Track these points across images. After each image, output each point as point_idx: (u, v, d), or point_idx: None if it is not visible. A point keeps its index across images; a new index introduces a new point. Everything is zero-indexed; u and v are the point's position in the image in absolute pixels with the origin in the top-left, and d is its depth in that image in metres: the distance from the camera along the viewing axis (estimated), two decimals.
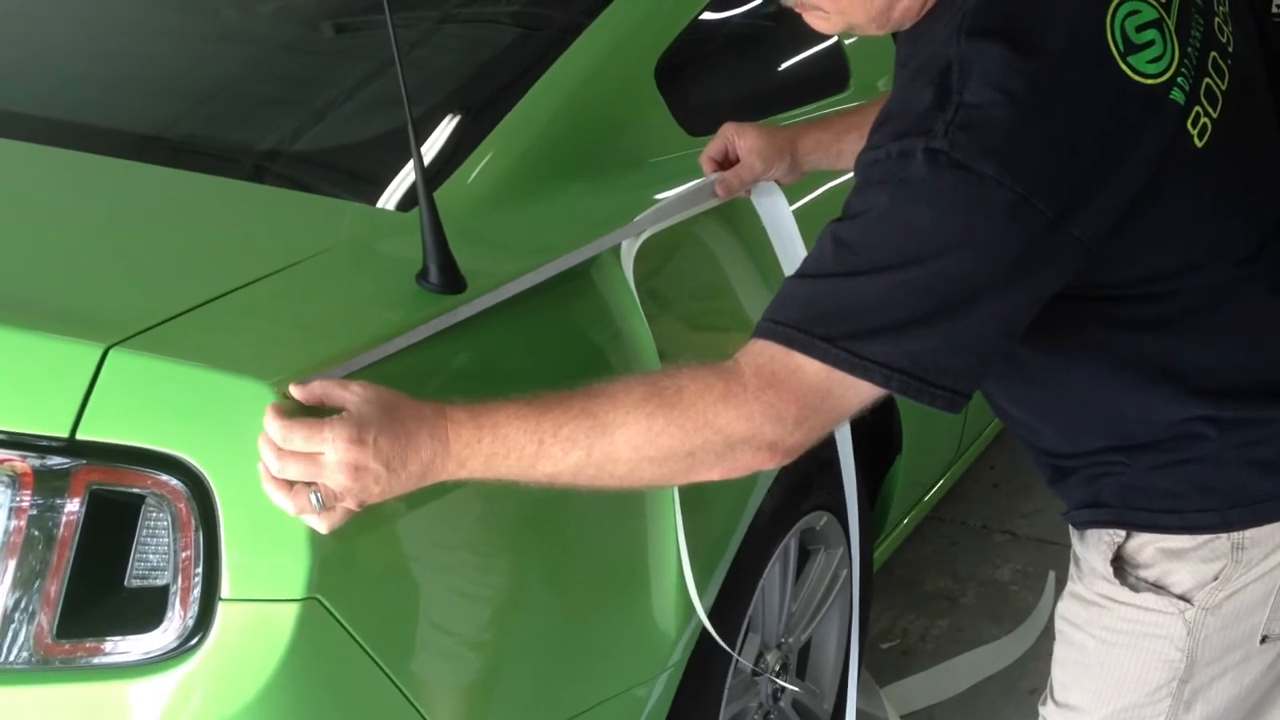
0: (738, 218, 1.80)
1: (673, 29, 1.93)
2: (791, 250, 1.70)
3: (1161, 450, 1.29)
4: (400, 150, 1.59)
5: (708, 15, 2.01)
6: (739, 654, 1.80)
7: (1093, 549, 1.38)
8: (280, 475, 1.12)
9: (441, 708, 1.32)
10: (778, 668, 1.98)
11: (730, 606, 1.73)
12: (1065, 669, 1.44)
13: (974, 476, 3.15)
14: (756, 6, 2.21)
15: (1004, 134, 1.11)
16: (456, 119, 1.73)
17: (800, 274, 1.20)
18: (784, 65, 2.27)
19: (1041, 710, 1.49)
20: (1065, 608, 1.44)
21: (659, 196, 1.71)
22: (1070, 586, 1.44)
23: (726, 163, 1.63)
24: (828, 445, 1.95)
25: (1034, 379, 1.34)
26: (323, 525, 1.15)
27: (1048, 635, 2.67)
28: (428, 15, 2.03)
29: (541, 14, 2.06)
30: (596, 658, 1.55)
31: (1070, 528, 1.44)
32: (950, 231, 1.13)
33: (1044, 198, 1.12)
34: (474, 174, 1.62)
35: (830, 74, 2.24)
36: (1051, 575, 2.84)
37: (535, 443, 1.15)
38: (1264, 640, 1.36)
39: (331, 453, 1.11)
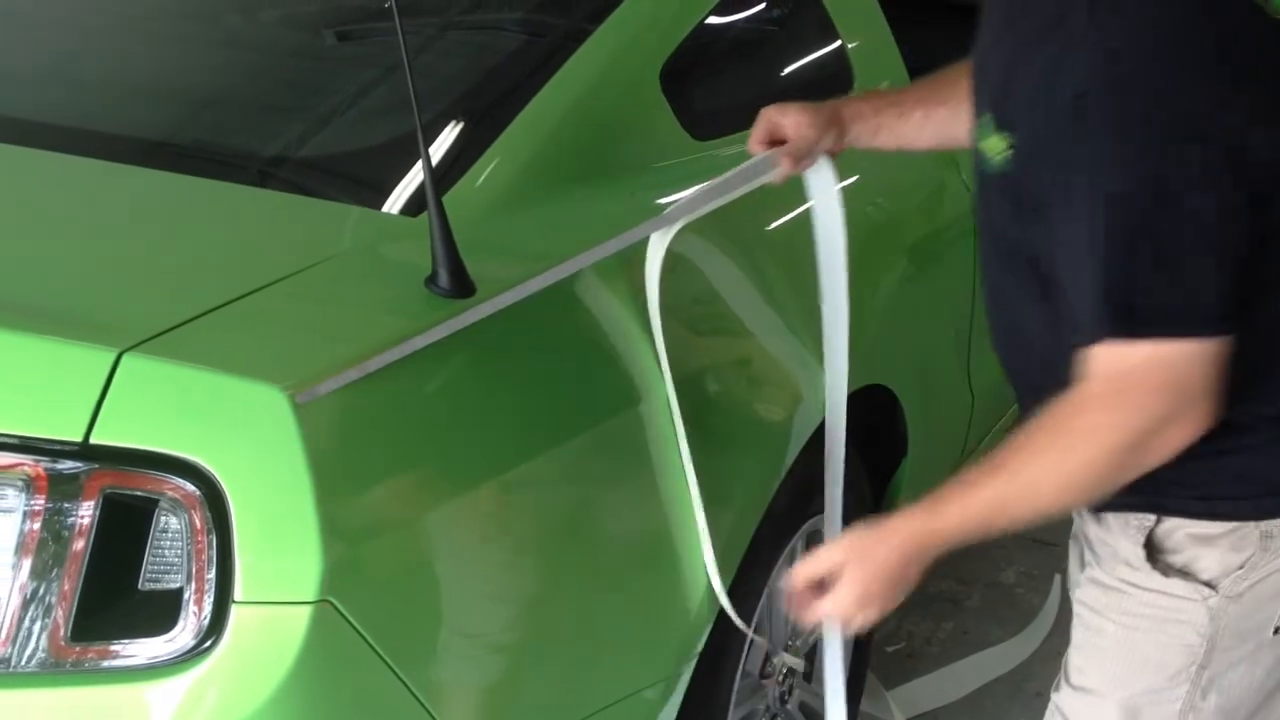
0: (734, 224, 1.81)
1: (677, 34, 1.93)
2: (832, 230, 1.68)
3: (1208, 439, 1.28)
4: (407, 155, 1.60)
5: (712, 20, 2.02)
6: (743, 658, 1.80)
7: (1119, 534, 1.38)
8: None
9: (453, 710, 1.33)
10: (784, 673, 1.98)
11: (738, 609, 1.73)
12: (1083, 653, 1.45)
13: None
14: (761, 11, 2.22)
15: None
16: (463, 124, 1.74)
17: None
18: (788, 70, 2.28)
19: (1054, 696, 1.49)
20: (1084, 593, 1.45)
21: (663, 200, 1.71)
22: (1088, 573, 1.45)
23: (774, 144, 1.63)
24: None
25: None
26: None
27: (1053, 637, 2.68)
28: (434, 21, 2.04)
29: (547, 20, 2.07)
30: (607, 660, 1.55)
31: (1085, 515, 1.44)
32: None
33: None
34: (481, 179, 1.62)
35: (834, 78, 2.25)
36: (1057, 578, 2.84)
37: (984, 523, 1.31)
38: (1276, 632, 1.37)
39: (846, 609, 1.35)
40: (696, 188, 1.61)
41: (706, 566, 1.58)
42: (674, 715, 1.65)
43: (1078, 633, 1.46)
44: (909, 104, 1.65)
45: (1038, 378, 1.36)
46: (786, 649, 1.99)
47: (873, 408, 2.09)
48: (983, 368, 2.54)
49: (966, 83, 1.45)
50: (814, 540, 2.04)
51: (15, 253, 1.46)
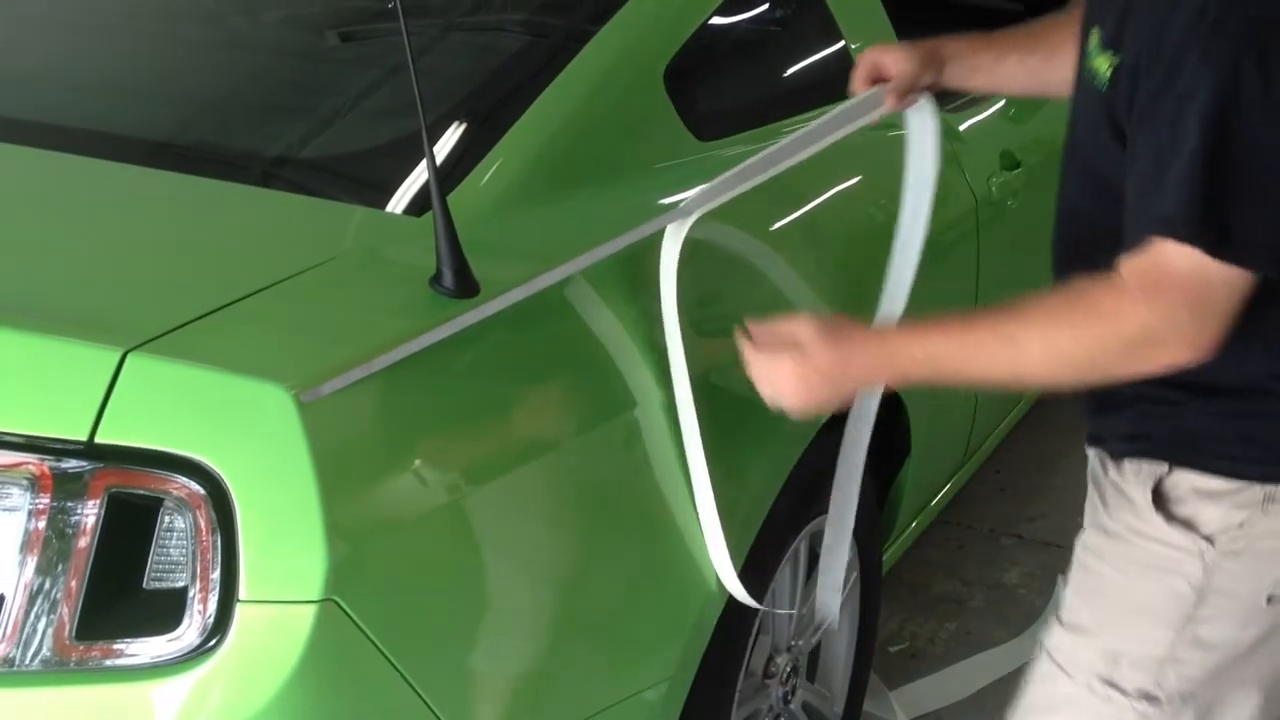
0: (742, 219, 1.81)
1: (681, 34, 1.93)
2: (925, 169, 1.73)
3: (1229, 398, 1.32)
4: (411, 156, 1.60)
5: (716, 21, 2.02)
6: (747, 657, 1.81)
7: (1132, 480, 1.41)
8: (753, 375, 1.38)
9: (457, 709, 1.33)
10: (788, 671, 1.98)
11: (742, 609, 1.74)
12: (1079, 594, 1.49)
13: (981, 480, 3.16)
14: (764, 12, 2.22)
15: None
16: (467, 125, 1.74)
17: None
18: (791, 70, 2.28)
19: (1042, 634, 1.53)
20: (1089, 537, 1.49)
21: (666, 201, 1.72)
22: (1095, 518, 1.48)
23: (876, 84, 1.68)
24: (836, 447, 1.96)
25: None
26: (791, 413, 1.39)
27: None
28: (438, 22, 2.05)
29: (550, 20, 2.07)
30: (612, 659, 1.56)
31: (1096, 459, 1.48)
32: None
33: None
34: (485, 179, 1.63)
35: (838, 78, 2.25)
36: (1060, 579, 2.84)
37: (961, 358, 1.32)
38: (1270, 601, 1.40)
39: (783, 380, 1.37)
40: (803, 130, 1.65)
41: (715, 560, 1.58)
42: (678, 714, 1.65)
43: (1076, 574, 1.50)
44: (1006, 48, 1.69)
45: None
46: (789, 649, 1.99)
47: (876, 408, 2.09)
48: None
49: (1067, 33, 1.52)
50: (818, 541, 2.04)
51: (21, 252, 1.47)
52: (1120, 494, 1.43)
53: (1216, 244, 1.21)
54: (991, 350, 1.31)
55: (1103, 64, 1.31)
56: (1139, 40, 1.26)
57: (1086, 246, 1.39)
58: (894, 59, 1.66)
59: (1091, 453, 1.50)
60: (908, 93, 1.67)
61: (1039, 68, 1.66)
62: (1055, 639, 1.51)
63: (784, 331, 1.39)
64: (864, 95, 1.66)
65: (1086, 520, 1.52)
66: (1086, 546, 1.50)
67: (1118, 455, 1.43)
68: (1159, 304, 1.23)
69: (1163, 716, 1.44)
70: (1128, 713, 1.44)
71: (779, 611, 1.82)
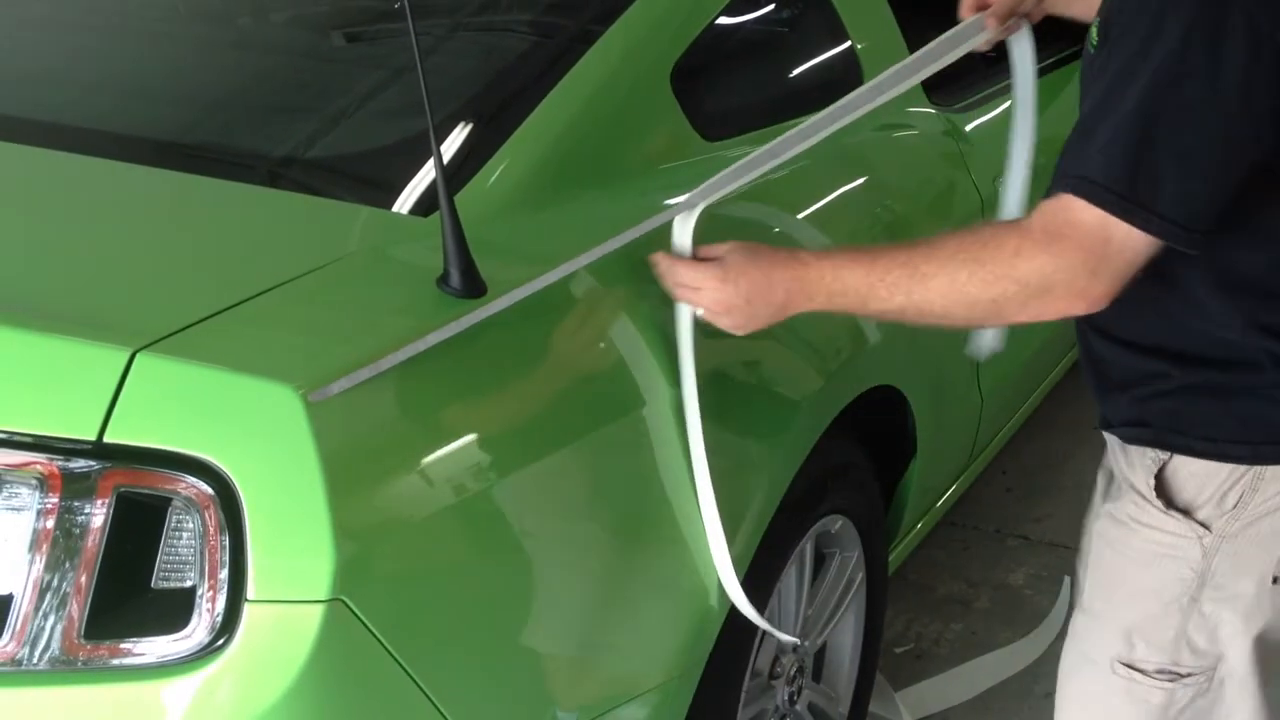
0: (755, 209, 1.81)
1: (687, 35, 1.94)
2: (1026, 91, 1.83)
3: (1217, 369, 1.35)
4: (418, 156, 1.61)
5: (722, 21, 2.02)
6: (753, 658, 1.81)
7: (1138, 467, 1.46)
8: (672, 294, 1.46)
9: (464, 708, 1.33)
10: (794, 671, 1.98)
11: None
12: (1093, 580, 1.55)
13: (986, 481, 3.15)
14: (770, 12, 2.22)
15: None
16: (474, 125, 1.74)
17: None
18: (798, 70, 2.28)
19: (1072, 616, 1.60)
20: (1100, 525, 1.54)
21: (672, 201, 1.72)
22: (1106, 506, 1.54)
23: (983, 9, 1.77)
24: (844, 449, 1.96)
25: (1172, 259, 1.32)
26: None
27: (1062, 639, 2.68)
28: (444, 22, 2.05)
29: (557, 21, 2.07)
30: (618, 659, 1.56)
31: (1116, 449, 1.52)
32: None
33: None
34: (492, 179, 1.63)
35: (843, 78, 2.25)
36: (1066, 580, 2.84)
37: (867, 286, 1.36)
38: (1276, 581, 1.44)
39: (705, 291, 1.43)
40: (910, 59, 1.75)
41: (718, 566, 1.59)
42: (684, 714, 1.65)
43: (1092, 560, 1.55)
44: None
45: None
46: (795, 649, 1.99)
47: (882, 408, 2.09)
48: (992, 368, 2.54)
49: None
50: (823, 542, 2.05)
51: (29, 252, 1.47)
52: (1126, 483, 1.48)
53: (1124, 207, 1.23)
54: (896, 280, 1.34)
55: (1093, 30, 1.36)
56: (1107, 5, 1.31)
57: None
58: None
59: (1107, 437, 1.54)
60: (1008, 17, 1.74)
61: None
62: (1078, 625, 1.57)
63: (709, 249, 1.46)
64: (968, 21, 1.74)
65: (1101, 507, 1.56)
66: (1100, 534, 1.54)
67: (1125, 440, 1.48)
68: (1057, 251, 1.26)
69: (1188, 693, 1.49)
70: (1154, 692, 1.49)
71: (783, 637, 1.83)
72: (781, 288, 1.41)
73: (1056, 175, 1.29)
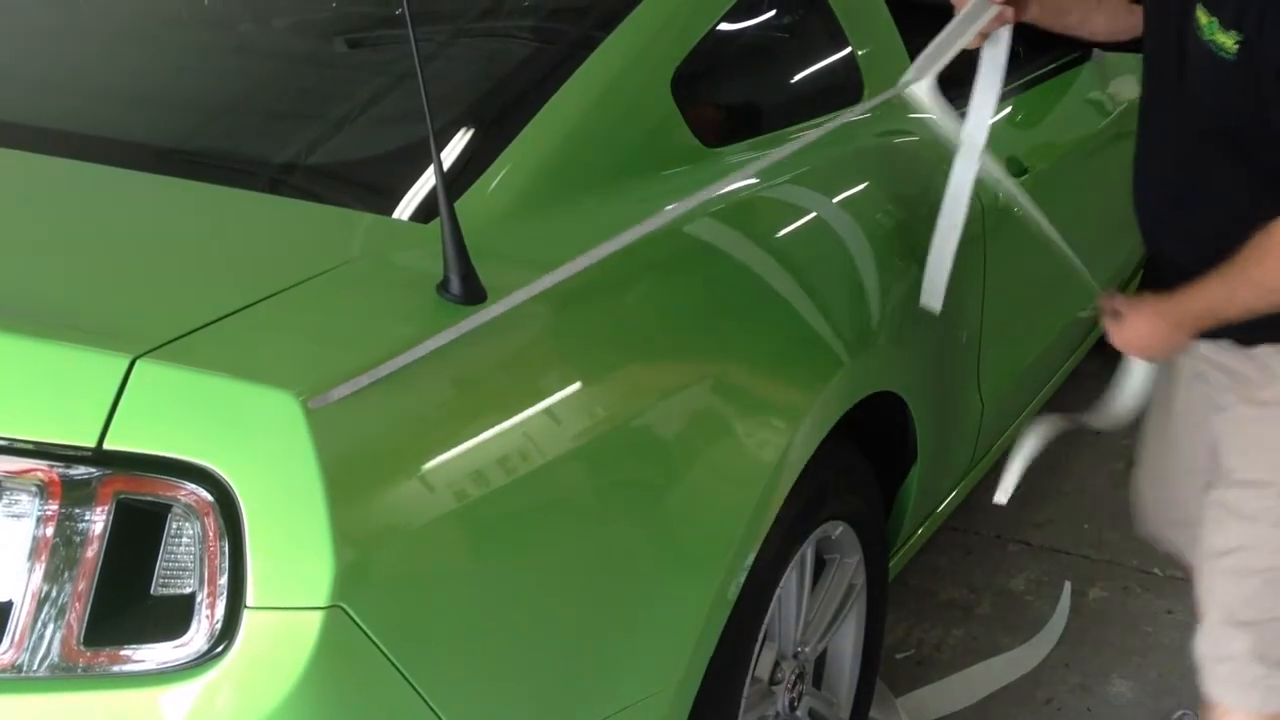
0: (759, 216, 1.81)
1: (688, 41, 1.94)
2: (987, 96, 2.01)
3: None
4: (419, 162, 1.61)
5: (723, 28, 2.02)
6: (753, 664, 1.81)
7: (1273, 359, 1.82)
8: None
9: (463, 715, 1.33)
10: (794, 677, 1.98)
11: (747, 614, 1.74)
12: (1246, 455, 1.84)
13: (987, 486, 3.14)
14: (771, 19, 2.22)
15: None
16: (475, 131, 1.74)
17: None
18: (798, 77, 2.29)
19: (1214, 495, 1.86)
20: (1241, 410, 1.85)
21: (670, 208, 1.72)
22: (1240, 394, 1.85)
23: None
24: (843, 454, 1.96)
25: None
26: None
27: (1063, 645, 2.68)
28: (445, 29, 2.05)
29: (558, 27, 2.08)
30: (618, 665, 1.56)
31: (1235, 351, 1.84)
32: None
33: None
34: (493, 185, 1.63)
35: (843, 85, 2.26)
36: (1067, 585, 2.84)
37: (1224, 298, 1.75)
38: None
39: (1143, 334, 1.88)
40: (932, 43, 1.90)
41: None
42: None
43: (1237, 441, 1.86)
44: None
45: (1223, 227, 1.74)
46: (795, 655, 1.99)
47: (882, 415, 2.09)
48: (992, 374, 2.54)
49: None
50: (824, 546, 2.05)
51: (30, 259, 1.47)
52: (1266, 370, 1.82)
53: None
54: (1235, 288, 1.73)
55: (1229, 41, 1.66)
56: (1256, 20, 1.62)
57: (1220, 193, 1.79)
58: None
59: (1210, 345, 1.87)
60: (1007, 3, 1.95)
61: (1091, 8, 2.06)
62: (1230, 495, 1.84)
63: (1134, 300, 1.86)
64: (969, 7, 1.93)
65: (1218, 399, 1.89)
66: (1241, 418, 1.85)
67: (1251, 342, 1.82)
68: None
69: None
70: None
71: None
72: (1167, 329, 1.83)
73: None
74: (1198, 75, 1.75)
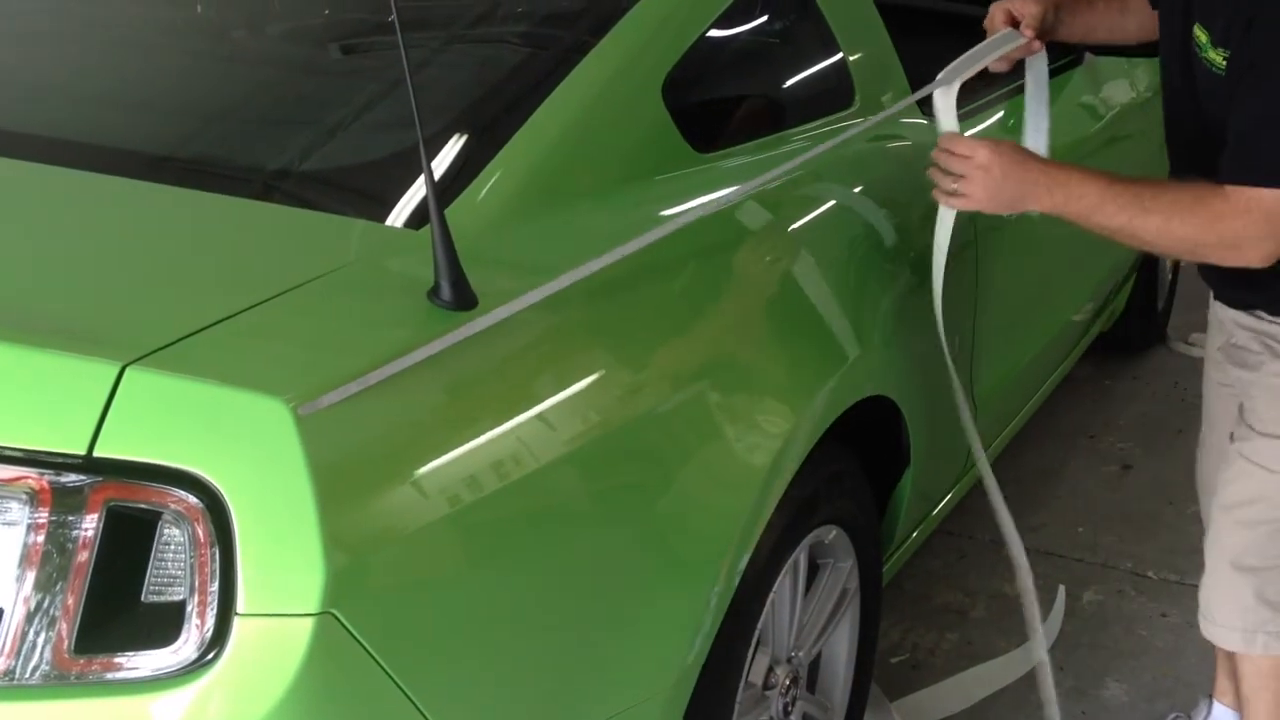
0: (763, 217, 1.82)
1: (679, 47, 1.94)
2: (1038, 113, 2.15)
3: None
4: (410, 169, 1.61)
5: (714, 34, 2.02)
6: (747, 669, 1.81)
7: None
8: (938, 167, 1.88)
9: None
10: (788, 682, 1.98)
11: (741, 619, 1.74)
12: (1272, 410, 1.93)
13: (982, 490, 3.14)
14: (762, 25, 2.23)
15: None
16: (466, 137, 1.75)
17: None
18: (789, 83, 2.29)
19: (1236, 446, 1.96)
20: (1272, 368, 1.93)
21: (666, 213, 1.72)
22: (1273, 353, 1.93)
23: (1013, 23, 2.09)
24: (836, 458, 1.96)
25: None
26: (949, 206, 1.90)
27: (1057, 647, 2.68)
28: (437, 35, 2.05)
29: (549, 33, 2.08)
30: (610, 671, 1.56)
31: (1250, 316, 1.95)
32: None
33: None
34: (483, 192, 1.63)
35: (834, 91, 2.26)
36: (1061, 589, 2.84)
37: (1099, 200, 1.79)
38: None
39: (972, 159, 1.83)
40: (960, 58, 1.99)
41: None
42: None
43: (1265, 397, 1.94)
44: (1099, 1, 2.19)
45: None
46: (789, 660, 1.99)
47: (876, 419, 2.09)
48: (985, 378, 2.54)
49: None
50: (818, 551, 2.05)
51: (20, 266, 1.47)
52: None
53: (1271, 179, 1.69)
54: (1124, 204, 1.78)
55: (1219, 57, 1.78)
56: (1240, 41, 1.73)
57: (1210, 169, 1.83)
58: (1023, 3, 2.08)
59: (1242, 314, 1.97)
60: (1038, 29, 2.06)
61: (1117, 17, 2.17)
62: (1253, 446, 1.94)
63: (966, 149, 1.85)
64: (1003, 33, 2.05)
65: (1250, 360, 1.97)
66: (1272, 375, 1.93)
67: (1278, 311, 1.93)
68: (1250, 220, 1.73)
69: None
70: None
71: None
72: (1032, 175, 1.81)
73: (1240, 159, 1.73)
74: (1200, 86, 1.85)
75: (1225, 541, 1.99)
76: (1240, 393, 2.00)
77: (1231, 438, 1.98)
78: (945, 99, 1.96)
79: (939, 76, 1.98)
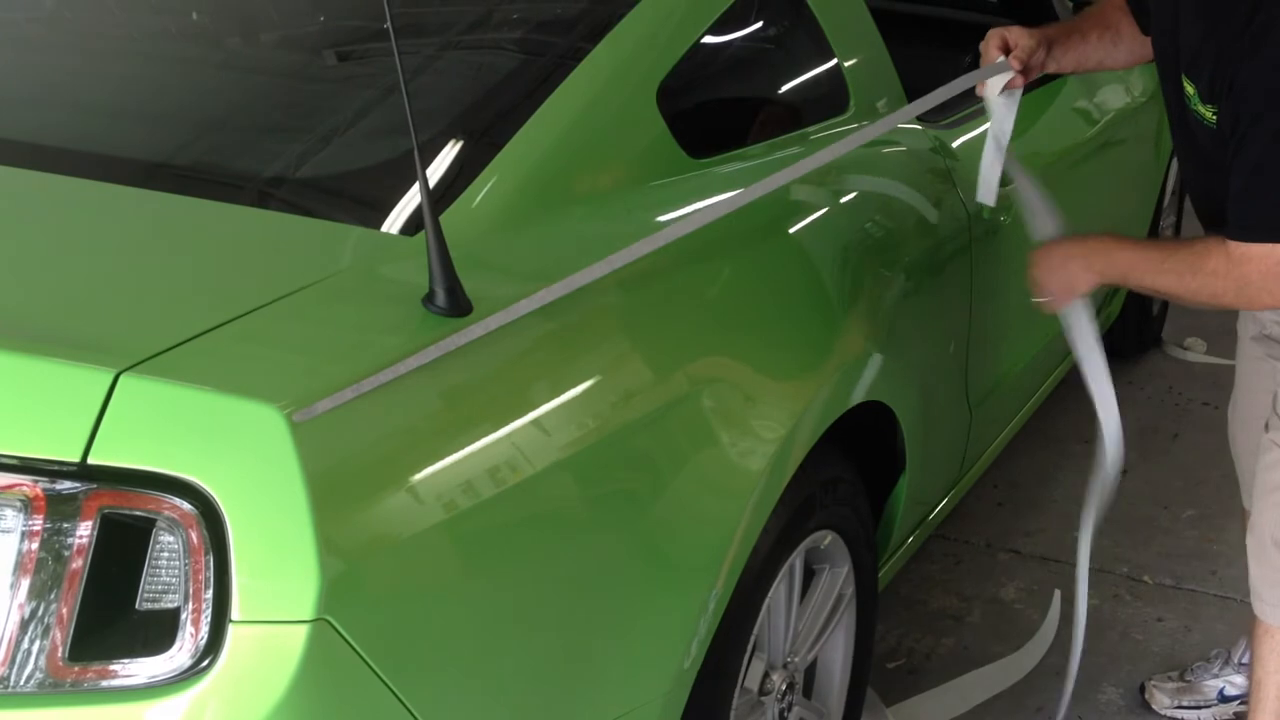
0: (761, 223, 1.82)
1: (674, 53, 1.94)
2: (994, 157, 2.17)
3: None
4: (405, 175, 1.61)
5: (708, 40, 2.03)
6: (742, 675, 1.81)
7: None
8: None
9: None
10: (784, 688, 1.98)
11: (738, 624, 1.74)
12: None
13: (977, 495, 3.16)
14: (756, 31, 2.23)
15: None
16: (461, 143, 1.75)
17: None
18: (784, 88, 2.29)
19: (1271, 434, 2.04)
20: None
21: (661, 219, 1.72)
22: None
23: (1006, 50, 2.13)
24: (831, 463, 1.96)
25: None
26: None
27: (1053, 652, 2.69)
28: (432, 41, 2.05)
29: (544, 39, 2.08)
30: (606, 677, 1.56)
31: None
32: None
33: None
34: (478, 198, 1.63)
35: (830, 96, 2.26)
36: (1057, 593, 2.84)
37: (1130, 268, 2.02)
38: None
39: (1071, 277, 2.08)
40: (942, 88, 2.01)
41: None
42: None
43: None
44: (1087, 28, 2.22)
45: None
46: (785, 665, 1.99)
47: (871, 424, 2.09)
48: (981, 383, 2.55)
49: (1118, 15, 2.19)
50: (813, 556, 2.05)
51: (14, 273, 1.47)
52: None
53: (1260, 235, 1.81)
54: (1147, 268, 1.98)
55: (1208, 112, 1.88)
56: (1227, 102, 1.82)
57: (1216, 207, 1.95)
58: (1015, 34, 2.13)
59: (1273, 312, 2.04)
60: (1028, 64, 2.10)
61: (1110, 48, 2.22)
62: None
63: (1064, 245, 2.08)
64: (996, 62, 2.10)
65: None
66: None
67: None
68: (1235, 276, 1.85)
69: None
70: None
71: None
72: (1104, 258, 2.01)
73: (1240, 214, 1.84)
74: (1194, 131, 1.96)
75: (1267, 523, 2.06)
76: (1273, 386, 2.07)
77: (1266, 427, 2.06)
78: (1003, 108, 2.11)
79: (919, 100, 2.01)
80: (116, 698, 1.19)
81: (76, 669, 1.19)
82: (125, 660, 1.19)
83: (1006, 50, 2.11)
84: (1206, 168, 1.97)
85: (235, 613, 1.18)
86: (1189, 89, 1.90)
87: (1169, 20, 1.96)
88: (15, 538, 1.19)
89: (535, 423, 1.44)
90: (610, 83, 1.83)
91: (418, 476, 1.30)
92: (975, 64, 2.20)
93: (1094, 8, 2.27)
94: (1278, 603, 2.08)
